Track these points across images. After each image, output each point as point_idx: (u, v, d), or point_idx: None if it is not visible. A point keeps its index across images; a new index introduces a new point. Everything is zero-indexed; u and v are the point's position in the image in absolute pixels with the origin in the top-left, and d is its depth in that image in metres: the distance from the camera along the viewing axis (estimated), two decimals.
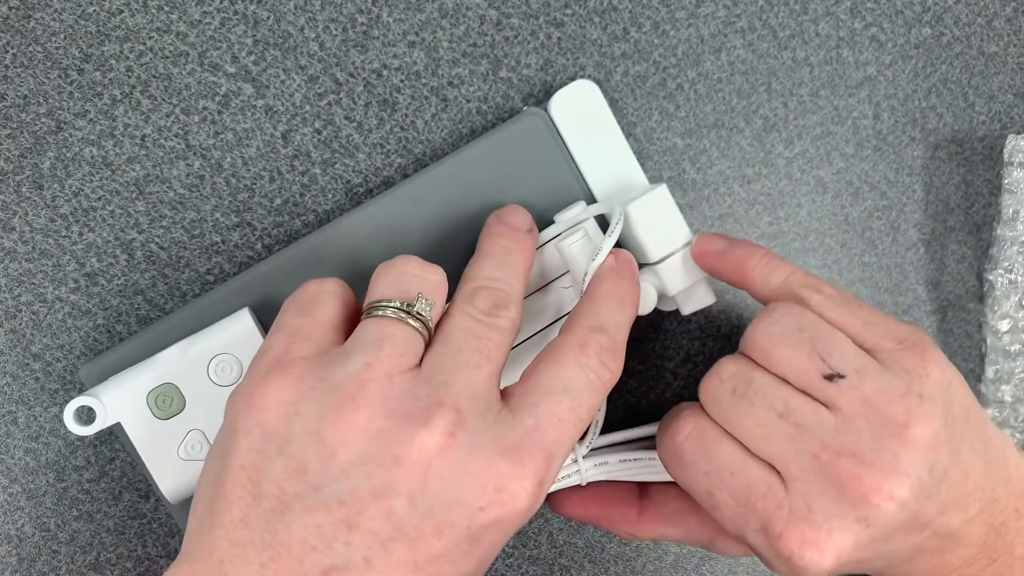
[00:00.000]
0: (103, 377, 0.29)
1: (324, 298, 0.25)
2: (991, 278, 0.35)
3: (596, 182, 0.31)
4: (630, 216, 0.30)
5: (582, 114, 0.31)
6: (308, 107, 0.32)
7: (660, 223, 0.30)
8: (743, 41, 0.34)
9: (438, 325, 0.25)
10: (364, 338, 0.23)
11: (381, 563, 0.21)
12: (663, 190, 0.30)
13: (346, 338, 0.24)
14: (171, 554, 0.33)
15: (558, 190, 0.31)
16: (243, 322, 0.28)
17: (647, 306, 0.30)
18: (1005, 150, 0.35)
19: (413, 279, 0.25)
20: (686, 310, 0.32)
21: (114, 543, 0.32)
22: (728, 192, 0.35)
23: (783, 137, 0.35)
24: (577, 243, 0.30)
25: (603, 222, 0.31)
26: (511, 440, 0.22)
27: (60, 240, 0.31)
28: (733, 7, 0.34)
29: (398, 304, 0.24)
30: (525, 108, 0.32)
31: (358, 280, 0.29)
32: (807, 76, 0.35)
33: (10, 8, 0.30)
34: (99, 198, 0.31)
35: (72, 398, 0.32)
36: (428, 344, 0.24)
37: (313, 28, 0.32)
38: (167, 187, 0.32)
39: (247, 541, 0.21)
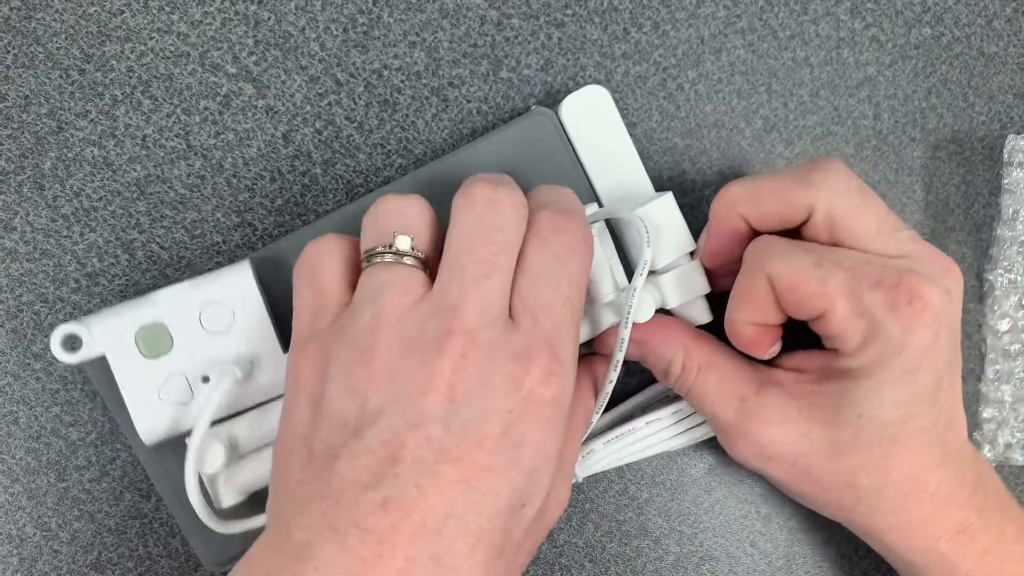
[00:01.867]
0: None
1: (325, 261, 0.26)
2: (991, 278, 0.35)
3: (602, 187, 0.31)
4: (634, 223, 0.30)
5: (592, 119, 0.31)
6: (309, 107, 0.32)
7: (665, 231, 0.30)
8: (743, 41, 0.34)
9: (445, 239, 0.25)
10: (365, 291, 0.24)
11: (432, 487, 0.22)
12: (669, 198, 0.30)
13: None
14: (172, 554, 0.33)
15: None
16: (242, 274, 0.28)
17: (645, 315, 0.30)
18: (1005, 150, 0.35)
19: (392, 217, 0.25)
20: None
21: (115, 543, 0.32)
22: None
23: (783, 137, 0.35)
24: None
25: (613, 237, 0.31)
26: (517, 344, 0.24)
27: (61, 240, 0.31)
28: (733, 7, 0.34)
29: (384, 247, 0.25)
30: (534, 107, 0.32)
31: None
32: (807, 76, 0.35)
33: (11, 8, 0.31)
34: (100, 198, 0.31)
35: (74, 397, 0.32)
36: (434, 267, 0.25)
37: (314, 28, 0.32)
38: (168, 187, 0.32)
39: (307, 497, 0.23)
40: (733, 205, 0.29)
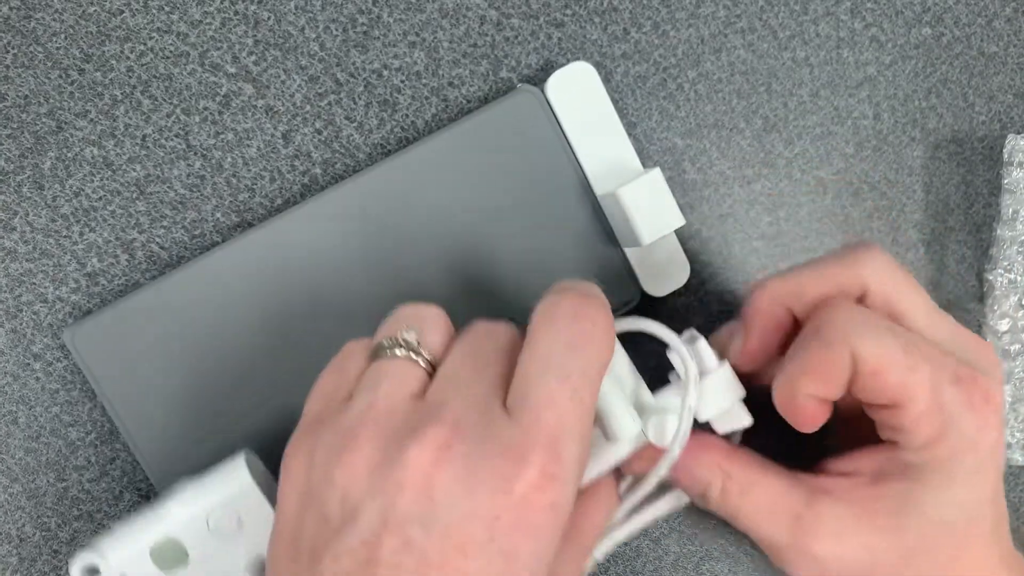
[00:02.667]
0: (86, 341, 0.29)
1: (356, 351, 0.25)
2: (991, 278, 0.35)
3: (589, 164, 0.31)
4: (622, 199, 0.30)
5: (578, 96, 0.31)
6: (309, 107, 0.32)
7: (653, 207, 0.30)
8: (743, 41, 0.34)
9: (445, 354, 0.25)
10: (365, 382, 0.24)
11: None
12: (656, 173, 0.30)
13: None
14: None
15: (550, 169, 0.31)
16: (239, 476, 0.28)
17: (669, 438, 0.27)
18: (1005, 150, 0.35)
19: (405, 318, 0.25)
20: (720, 430, 0.29)
21: None
22: (728, 192, 0.35)
23: (783, 137, 0.35)
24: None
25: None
26: (510, 439, 0.21)
27: (61, 240, 0.31)
28: (733, 7, 0.34)
29: (390, 341, 0.24)
30: (519, 85, 0.32)
31: (343, 257, 0.30)
32: (807, 76, 0.35)
33: (11, 8, 0.30)
34: (100, 198, 0.31)
35: (74, 397, 0.32)
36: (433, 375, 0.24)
37: (314, 28, 0.32)
38: (168, 187, 0.32)
39: None
40: (777, 299, 0.27)
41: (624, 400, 0.26)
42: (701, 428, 0.28)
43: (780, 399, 0.27)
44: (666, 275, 0.32)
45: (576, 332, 0.23)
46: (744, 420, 0.29)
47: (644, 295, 0.33)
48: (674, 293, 0.35)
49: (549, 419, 0.22)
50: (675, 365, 0.28)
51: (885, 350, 0.25)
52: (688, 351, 0.27)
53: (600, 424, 0.26)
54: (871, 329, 0.25)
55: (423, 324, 0.25)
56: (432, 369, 0.24)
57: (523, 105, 0.31)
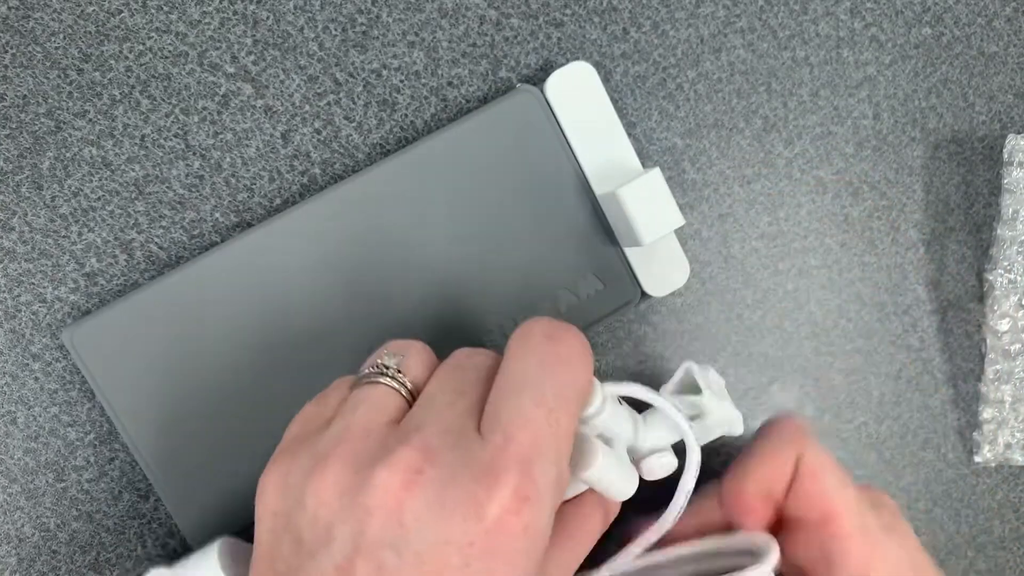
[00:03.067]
0: (85, 341, 0.29)
1: (339, 384, 0.25)
2: (991, 278, 0.35)
3: (589, 163, 0.31)
4: (622, 199, 0.30)
5: (578, 95, 0.31)
6: (308, 107, 0.32)
7: (652, 206, 0.30)
8: (743, 41, 0.34)
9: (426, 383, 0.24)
10: (345, 407, 0.23)
11: None
12: (656, 173, 0.30)
13: None
14: (171, 554, 0.33)
15: (550, 169, 0.31)
16: (212, 571, 0.27)
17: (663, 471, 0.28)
18: (1005, 150, 0.35)
19: (398, 348, 0.25)
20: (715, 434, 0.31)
21: (114, 543, 0.32)
22: (728, 192, 0.35)
23: (783, 137, 0.35)
24: (611, 414, 0.28)
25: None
26: (482, 462, 0.21)
27: (59, 240, 0.31)
28: (733, 7, 0.34)
29: (371, 369, 0.24)
30: (519, 85, 0.32)
31: (342, 257, 0.29)
32: (807, 76, 0.35)
33: (9, 8, 0.30)
34: (98, 198, 0.31)
35: (72, 397, 0.32)
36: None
37: (313, 28, 0.32)
38: (167, 187, 0.32)
39: None
40: (750, 503, 0.29)
41: (620, 467, 0.26)
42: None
43: (728, 497, 0.29)
44: (666, 275, 0.32)
45: (550, 353, 0.23)
46: (737, 429, 0.30)
47: (644, 295, 0.33)
48: (674, 293, 0.35)
49: (523, 440, 0.21)
50: (667, 413, 0.27)
51: (825, 458, 0.28)
52: (682, 418, 0.27)
53: (601, 489, 0.26)
54: (813, 440, 0.29)
55: (406, 353, 0.25)
56: (412, 398, 0.24)
57: (523, 105, 0.31)
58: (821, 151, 0.35)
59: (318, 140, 0.32)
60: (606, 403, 0.25)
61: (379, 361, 0.24)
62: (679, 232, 0.34)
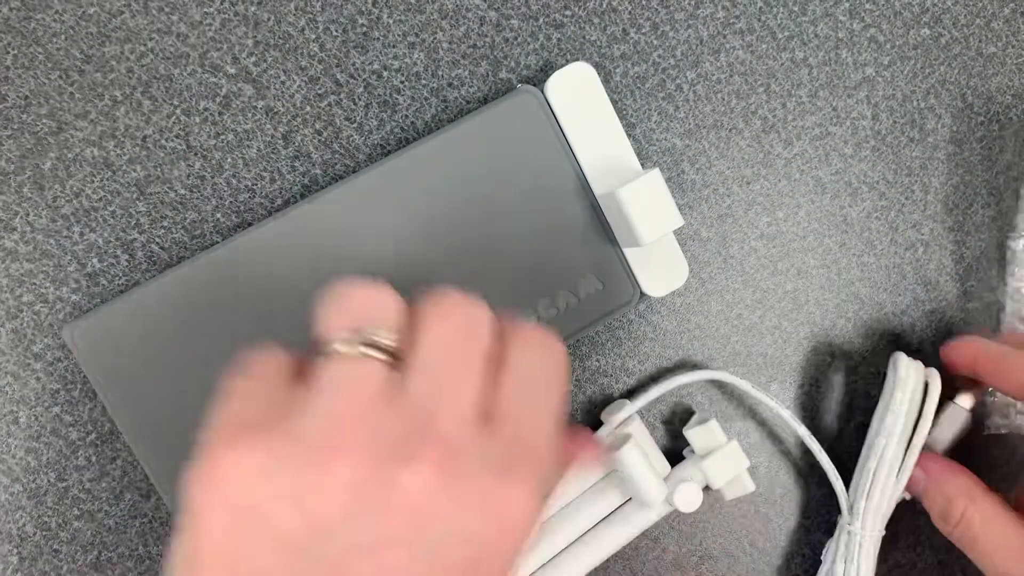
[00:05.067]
0: (86, 338, 0.29)
1: (268, 356, 0.23)
2: (1014, 245, 0.36)
3: (589, 164, 0.31)
4: (622, 199, 0.30)
5: (578, 96, 0.31)
6: (308, 108, 0.32)
7: (652, 207, 0.30)
8: (742, 42, 0.34)
9: (414, 340, 0.22)
10: (323, 383, 0.21)
11: None
12: (656, 174, 0.30)
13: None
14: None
15: (550, 169, 0.31)
16: None
17: (693, 505, 0.33)
18: None
19: (359, 304, 0.22)
20: (729, 496, 0.34)
21: (115, 542, 0.32)
22: (727, 193, 0.35)
23: (782, 138, 0.35)
24: (629, 453, 0.32)
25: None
26: (498, 458, 0.20)
27: (61, 240, 0.31)
28: (732, 8, 0.34)
29: (349, 336, 0.21)
30: (519, 85, 0.32)
31: (342, 257, 0.29)
32: (806, 77, 0.35)
33: (11, 9, 0.31)
34: (100, 199, 0.31)
35: (74, 397, 0.32)
36: (403, 364, 0.21)
37: (313, 29, 0.32)
38: (168, 188, 0.32)
39: None
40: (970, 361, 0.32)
41: (651, 470, 0.32)
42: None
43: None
44: (665, 275, 0.33)
45: (554, 361, 0.23)
46: (748, 487, 0.34)
47: (643, 295, 0.33)
48: (674, 293, 0.35)
49: (533, 440, 0.21)
50: (690, 441, 0.33)
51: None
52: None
53: (631, 491, 0.32)
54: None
55: (377, 307, 0.22)
56: (396, 360, 0.21)
57: (523, 105, 0.31)
58: (820, 152, 0.35)
59: (319, 141, 0.32)
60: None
61: (349, 325, 0.21)
62: (678, 232, 0.34)
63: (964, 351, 0.33)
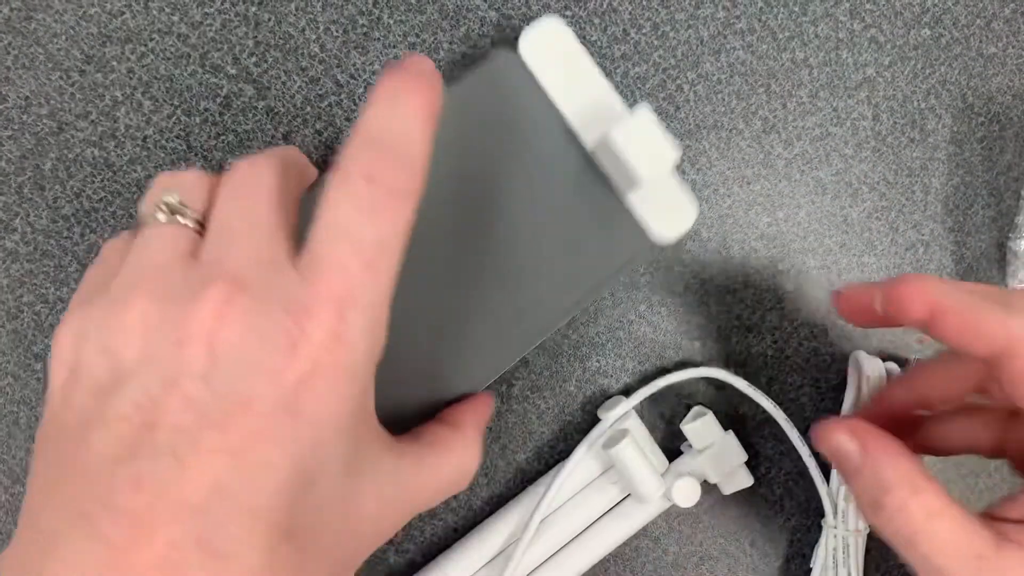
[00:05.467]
0: None
1: (115, 240, 0.24)
2: (1014, 247, 0.36)
3: (574, 115, 0.31)
4: (613, 141, 0.29)
5: (552, 51, 0.30)
6: (309, 108, 0.32)
7: (646, 143, 0.29)
8: (742, 43, 0.34)
9: (211, 207, 0.23)
10: (132, 250, 0.23)
11: (193, 458, 0.19)
12: (644, 109, 0.29)
13: None
14: None
15: (538, 129, 0.31)
16: None
17: (691, 500, 0.33)
18: None
19: (162, 184, 0.24)
20: (726, 491, 0.34)
21: None
22: (727, 193, 0.35)
23: (782, 138, 0.35)
24: (626, 448, 0.32)
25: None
26: (296, 296, 0.20)
27: (62, 241, 0.31)
28: (732, 9, 0.34)
29: (150, 208, 0.23)
30: (492, 50, 0.32)
31: None
32: (806, 77, 0.35)
33: (11, 9, 0.31)
34: (101, 199, 0.31)
35: None
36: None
37: (314, 30, 0.32)
38: None
39: (57, 479, 0.20)
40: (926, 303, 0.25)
41: (648, 465, 0.32)
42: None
43: (841, 298, 0.27)
44: (673, 216, 0.30)
45: (374, 198, 0.22)
46: (746, 481, 0.34)
47: (655, 245, 0.32)
48: (674, 294, 0.35)
49: (338, 283, 0.21)
50: (688, 436, 0.34)
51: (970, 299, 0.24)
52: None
53: (628, 486, 0.32)
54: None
55: (182, 184, 0.24)
56: (202, 228, 0.23)
57: (502, 68, 0.30)
58: (820, 152, 0.35)
59: (319, 141, 0.32)
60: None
61: (155, 201, 0.23)
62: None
63: (915, 295, 0.25)
